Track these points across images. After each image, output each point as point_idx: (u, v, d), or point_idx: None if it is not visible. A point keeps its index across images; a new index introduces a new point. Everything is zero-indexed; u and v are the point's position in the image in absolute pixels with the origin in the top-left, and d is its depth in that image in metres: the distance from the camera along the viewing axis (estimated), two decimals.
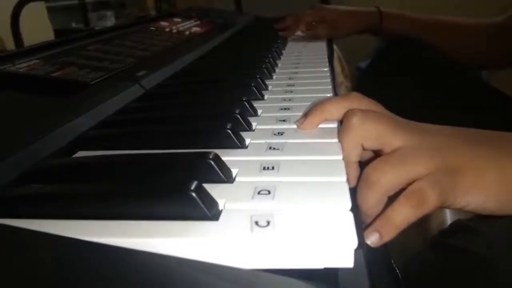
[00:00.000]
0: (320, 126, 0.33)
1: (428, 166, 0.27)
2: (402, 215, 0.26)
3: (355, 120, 0.29)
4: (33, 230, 0.20)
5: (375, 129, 0.29)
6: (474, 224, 0.43)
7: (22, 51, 0.50)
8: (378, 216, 0.27)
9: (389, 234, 0.26)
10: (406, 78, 0.75)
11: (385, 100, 0.71)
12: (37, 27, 1.44)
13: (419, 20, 0.82)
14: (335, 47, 1.26)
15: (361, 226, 0.28)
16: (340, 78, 1.25)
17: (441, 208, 0.27)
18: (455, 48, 0.76)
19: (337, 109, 0.32)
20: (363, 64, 1.99)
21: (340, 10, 0.86)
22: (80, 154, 0.31)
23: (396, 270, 0.37)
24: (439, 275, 0.42)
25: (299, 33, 0.89)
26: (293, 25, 0.87)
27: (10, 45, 1.27)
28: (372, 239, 0.26)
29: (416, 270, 0.46)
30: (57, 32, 1.27)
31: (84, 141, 0.32)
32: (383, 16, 0.83)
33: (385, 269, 0.36)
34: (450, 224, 0.55)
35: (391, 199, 0.28)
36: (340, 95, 0.34)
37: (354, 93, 0.33)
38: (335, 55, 1.24)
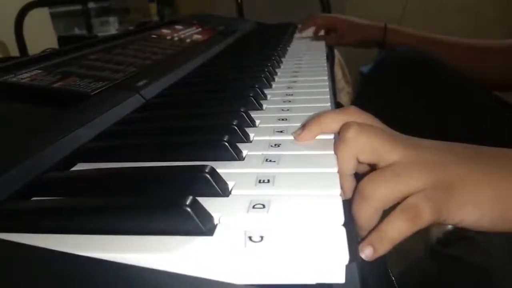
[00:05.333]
0: (317, 138, 0.33)
1: (423, 182, 0.27)
2: (396, 230, 0.26)
3: (350, 133, 0.29)
4: (30, 245, 0.20)
5: (370, 142, 0.29)
6: (472, 233, 0.43)
7: (24, 61, 0.51)
8: (372, 229, 0.27)
9: (383, 248, 0.26)
10: (408, 84, 0.75)
11: (387, 106, 0.71)
12: (41, 33, 1.45)
13: (425, 38, 0.84)
14: (336, 52, 1.27)
15: (356, 239, 0.28)
16: (341, 83, 1.25)
17: (436, 223, 0.27)
18: (459, 67, 0.76)
19: (334, 121, 0.32)
20: (365, 69, 1.99)
21: (349, 21, 0.92)
22: (80, 166, 0.31)
23: (393, 280, 0.37)
24: (437, 284, 0.42)
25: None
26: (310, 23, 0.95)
27: (13, 51, 1.28)
28: (366, 253, 0.26)
29: (415, 279, 0.46)
30: (60, 39, 1.28)
31: (83, 153, 0.32)
32: (387, 31, 0.87)
33: (382, 279, 0.37)
34: (449, 233, 0.55)
35: (386, 213, 0.28)
36: (338, 109, 0.34)
37: (352, 107, 0.33)
38: (337, 60, 1.24)
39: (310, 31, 0.98)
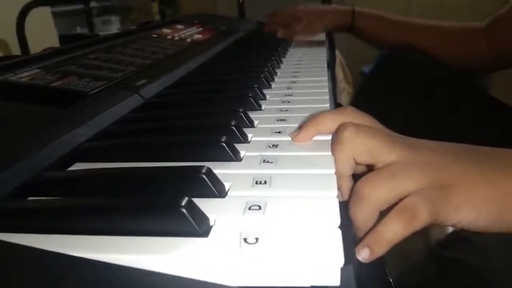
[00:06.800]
0: (314, 138, 0.33)
1: (420, 182, 0.27)
2: (393, 231, 0.26)
3: (347, 134, 0.29)
4: (26, 245, 0.20)
5: (367, 143, 0.29)
6: (471, 235, 0.43)
7: (24, 60, 0.51)
8: (369, 231, 0.27)
9: (380, 249, 0.26)
10: (408, 85, 0.75)
11: (386, 106, 0.71)
12: (42, 32, 1.45)
13: (395, 22, 0.84)
14: (337, 53, 1.26)
15: (353, 241, 0.28)
16: (342, 84, 1.25)
17: (433, 224, 0.27)
18: (436, 51, 0.77)
19: (331, 122, 0.32)
20: (366, 69, 1.99)
21: (313, 11, 0.90)
22: (77, 166, 0.31)
23: (391, 283, 0.37)
24: (436, 286, 0.42)
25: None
26: (275, 22, 0.93)
27: (15, 49, 1.29)
28: (363, 255, 0.26)
29: (414, 281, 0.46)
30: (61, 37, 1.28)
31: (80, 153, 0.32)
32: (355, 15, 0.86)
33: (379, 281, 0.36)
34: (448, 235, 0.55)
35: (384, 213, 0.28)
36: (335, 109, 0.34)
37: (349, 107, 0.33)
38: (338, 61, 1.24)
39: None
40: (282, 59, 0.69)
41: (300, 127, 0.33)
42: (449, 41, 0.78)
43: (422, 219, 0.26)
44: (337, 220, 0.22)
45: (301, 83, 0.53)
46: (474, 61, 0.77)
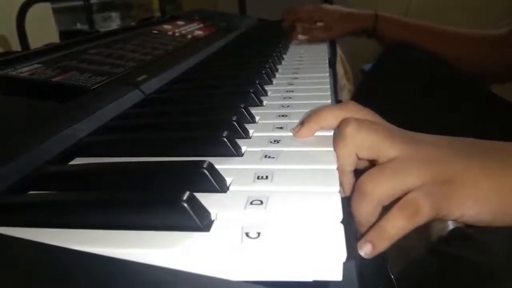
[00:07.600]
0: (316, 134, 0.33)
1: (422, 177, 0.27)
2: (396, 226, 0.26)
3: (349, 129, 0.29)
4: (26, 239, 0.20)
5: (369, 138, 0.29)
6: (472, 232, 0.43)
7: (25, 55, 0.50)
8: (371, 226, 0.27)
9: (382, 245, 0.26)
10: (408, 81, 0.75)
11: (387, 102, 0.71)
12: (43, 28, 1.45)
13: (414, 26, 0.83)
14: (338, 50, 1.26)
15: (355, 236, 0.28)
16: (343, 81, 1.25)
17: (435, 219, 0.27)
18: (450, 57, 0.76)
19: (333, 117, 0.32)
20: (367, 67, 1.99)
21: (336, 12, 0.88)
22: (77, 161, 0.31)
23: (392, 279, 0.37)
24: (437, 283, 0.42)
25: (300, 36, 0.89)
26: (293, 19, 0.91)
27: (15, 46, 1.28)
28: (365, 250, 0.26)
29: (414, 277, 0.46)
30: (61, 34, 1.28)
31: (81, 148, 0.32)
32: (378, 19, 0.84)
33: (380, 277, 0.36)
34: (449, 232, 0.55)
35: (386, 208, 0.28)
36: (337, 104, 0.34)
37: (351, 102, 0.33)
38: (338, 58, 1.24)
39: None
40: (284, 56, 0.69)
41: (302, 123, 0.33)
42: (470, 48, 0.76)
43: (424, 214, 0.26)
44: (339, 215, 0.22)
45: (303, 79, 0.52)
46: (488, 69, 0.75)
